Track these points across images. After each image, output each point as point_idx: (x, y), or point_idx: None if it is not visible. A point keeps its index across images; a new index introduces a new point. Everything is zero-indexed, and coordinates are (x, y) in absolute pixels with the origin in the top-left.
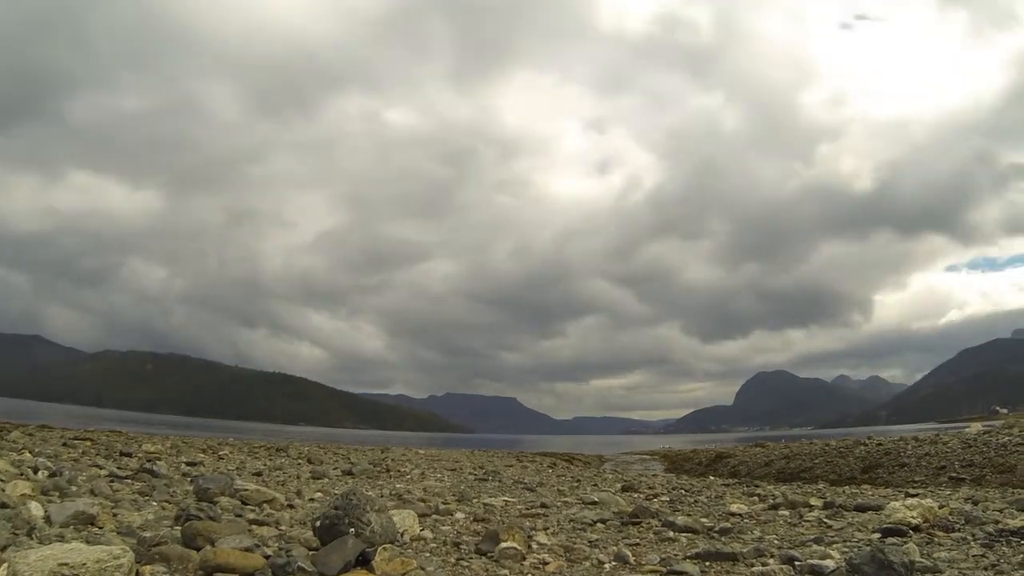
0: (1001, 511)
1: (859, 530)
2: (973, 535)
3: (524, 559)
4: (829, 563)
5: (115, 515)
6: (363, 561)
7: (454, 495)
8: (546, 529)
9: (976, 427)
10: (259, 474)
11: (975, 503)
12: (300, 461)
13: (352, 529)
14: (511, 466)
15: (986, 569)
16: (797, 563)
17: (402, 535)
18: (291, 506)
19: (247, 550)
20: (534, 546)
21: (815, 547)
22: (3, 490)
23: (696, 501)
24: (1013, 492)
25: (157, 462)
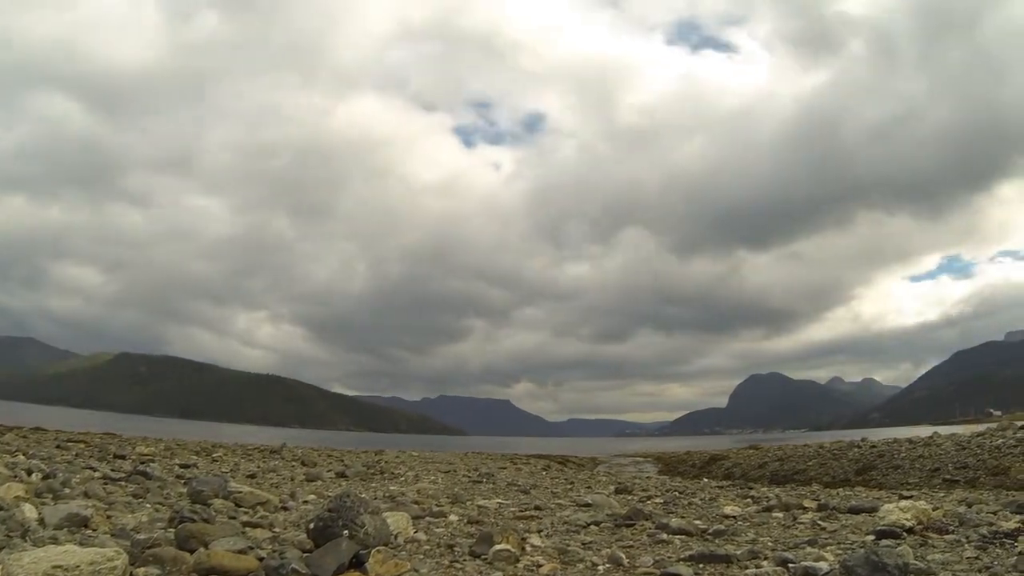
0: (995, 513)
1: (853, 532)
2: (967, 537)
3: (518, 561)
4: (823, 565)
5: (109, 517)
6: (357, 563)
7: (448, 497)
8: (540, 531)
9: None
10: (253, 476)
11: (969, 505)
12: (294, 463)
13: (346, 531)
14: (505, 468)
15: (980, 571)
16: (791, 565)
17: (396, 537)
18: (285, 508)
19: (241, 552)
20: (528, 548)
21: (809, 549)
22: None
23: (690, 503)
24: (1007, 494)
25: (151, 464)
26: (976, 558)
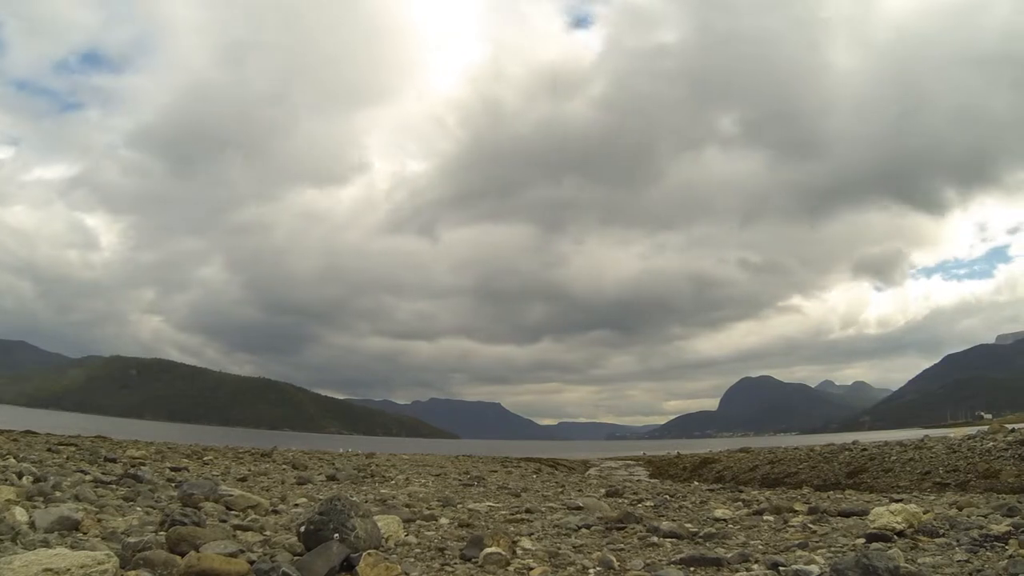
0: (985, 516)
1: (844, 535)
2: (957, 540)
3: (508, 564)
4: (814, 568)
5: (100, 520)
6: (348, 566)
7: (439, 500)
8: (531, 534)
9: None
10: (244, 479)
11: (960, 508)
12: (285, 466)
13: (337, 535)
14: (496, 471)
15: (970, 575)
16: (782, 568)
17: (387, 540)
18: (276, 511)
19: (232, 555)
20: (519, 551)
21: (800, 552)
22: None
23: (681, 506)
24: (998, 497)
25: (142, 467)
26: (967, 561)
